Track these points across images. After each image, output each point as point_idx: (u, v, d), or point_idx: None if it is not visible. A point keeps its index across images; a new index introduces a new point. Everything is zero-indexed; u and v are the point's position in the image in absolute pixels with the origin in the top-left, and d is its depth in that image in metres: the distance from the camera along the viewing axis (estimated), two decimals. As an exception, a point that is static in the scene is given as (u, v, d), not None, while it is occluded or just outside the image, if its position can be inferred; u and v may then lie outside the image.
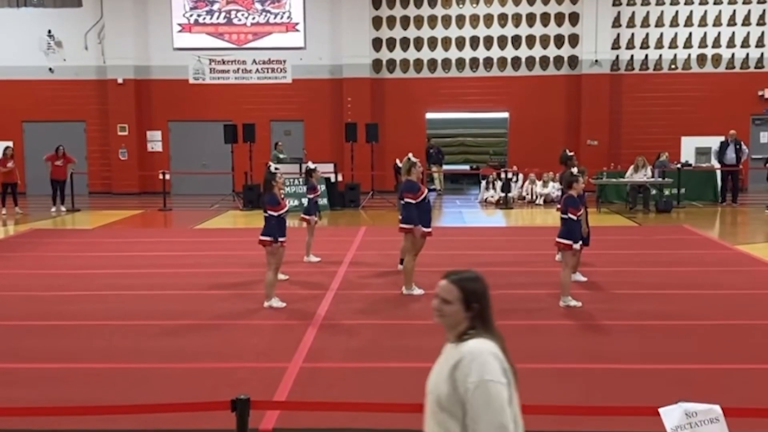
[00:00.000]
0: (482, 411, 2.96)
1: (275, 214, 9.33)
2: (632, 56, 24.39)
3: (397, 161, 13.66)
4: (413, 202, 9.87)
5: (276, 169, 10.04)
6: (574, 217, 9.22)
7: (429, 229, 10.02)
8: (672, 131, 23.92)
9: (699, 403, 3.90)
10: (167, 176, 21.77)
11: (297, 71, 24.81)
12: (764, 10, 24.03)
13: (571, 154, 11.98)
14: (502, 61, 24.63)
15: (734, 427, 3.95)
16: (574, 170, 9.82)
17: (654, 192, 19.96)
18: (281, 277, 10.79)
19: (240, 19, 24.96)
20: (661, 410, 3.89)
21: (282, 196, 9.69)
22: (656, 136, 23.69)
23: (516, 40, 24.58)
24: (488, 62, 24.67)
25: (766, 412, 5.29)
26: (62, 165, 20.34)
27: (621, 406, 5.68)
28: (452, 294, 3.15)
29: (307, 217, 12.37)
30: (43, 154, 20.70)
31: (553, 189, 20.74)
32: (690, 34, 24.20)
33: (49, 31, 24.96)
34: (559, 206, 10.57)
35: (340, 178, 21.64)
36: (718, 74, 24.13)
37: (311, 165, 13.04)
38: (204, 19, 24.98)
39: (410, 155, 10.56)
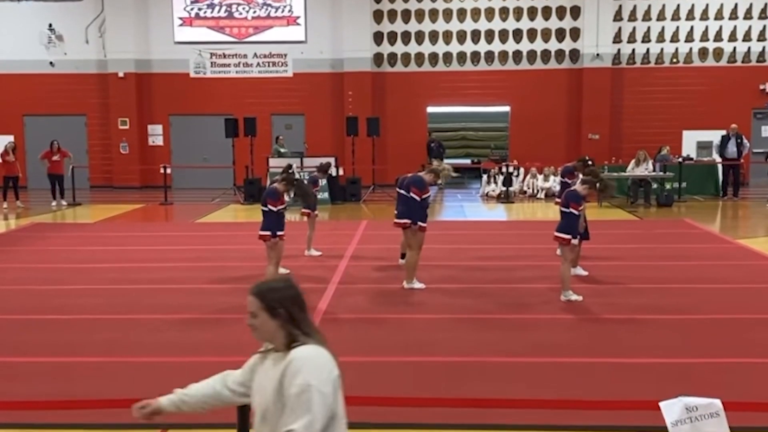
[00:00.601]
0: (299, 414, 2.92)
1: (274, 209, 9.34)
2: (634, 50, 24.36)
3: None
4: (417, 199, 9.84)
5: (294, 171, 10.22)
6: (575, 212, 9.22)
7: (425, 224, 10.00)
8: (673, 125, 23.90)
9: (699, 398, 3.90)
10: (168, 170, 21.77)
11: (298, 65, 24.80)
12: (766, 4, 23.98)
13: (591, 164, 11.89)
14: (504, 55, 24.61)
15: (734, 422, 3.95)
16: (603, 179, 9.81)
17: (655, 186, 19.95)
18: (282, 271, 10.80)
19: (241, 13, 24.93)
20: (661, 404, 3.89)
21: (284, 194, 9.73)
22: (657, 130, 23.67)
23: (517, 34, 24.55)
24: (489, 56, 24.65)
25: (766, 407, 5.29)
26: (59, 160, 20.36)
27: (621, 401, 5.68)
28: (255, 306, 3.14)
29: (307, 211, 12.39)
30: (44, 148, 20.67)
31: (554, 183, 20.71)
32: (692, 27, 24.16)
33: (50, 25, 24.95)
34: (558, 199, 10.59)
35: (341, 172, 21.64)
36: (719, 68, 24.10)
37: (330, 162, 13.17)
38: (205, 12, 24.94)
39: (448, 166, 10.59)
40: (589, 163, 11.78)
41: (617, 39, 24.33)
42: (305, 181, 12.68)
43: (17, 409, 5.49)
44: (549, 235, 10.09)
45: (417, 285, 10.04)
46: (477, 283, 10.40)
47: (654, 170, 20.15)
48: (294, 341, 3.11)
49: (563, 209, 9.33)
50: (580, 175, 10.62)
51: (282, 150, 22.16)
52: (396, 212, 10.40)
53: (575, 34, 24.37)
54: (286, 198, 9.93)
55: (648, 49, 24.32)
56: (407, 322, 8.53)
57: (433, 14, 24.63)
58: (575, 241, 9.42)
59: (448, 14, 24.62)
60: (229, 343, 7.78)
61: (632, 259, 12.11)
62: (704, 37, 24.16)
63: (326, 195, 19.99)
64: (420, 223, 9.88)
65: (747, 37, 24.07)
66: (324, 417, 2.97)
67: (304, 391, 2.94)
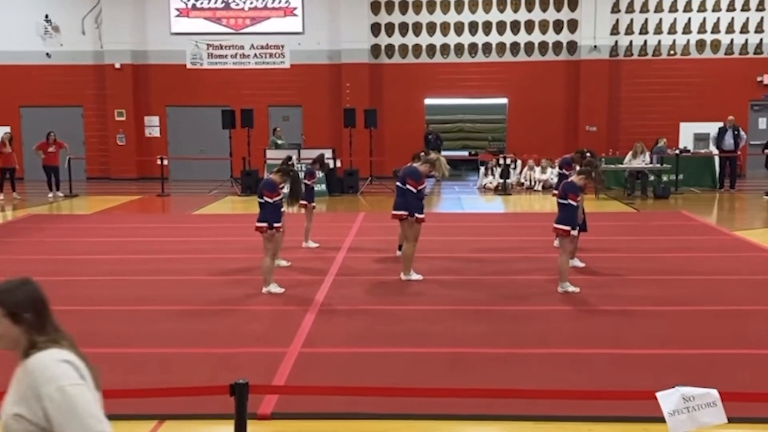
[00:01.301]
0: (69, 418, 2.68)
1: (271, 200, 9.32)
2: (631, 42, 24.33)
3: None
4: (414, 190, 9.85)
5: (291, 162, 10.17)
6: (574, 203, 9.21)
7: (422, 216, 9.99)
8: (670, 117, 23.90)
9: (696, 388, 3.91)
10: (165, 162, 21.75)
11: (295, 56, 24.74)
12: (764, -4, 23.99)
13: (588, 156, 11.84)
14: (501, 47, 24.57)
15: (731, 412, 3.96)
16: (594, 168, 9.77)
17: (652, 178, 19.97)
18: (283, 263, 10.80)
19: (238, 4, 24.85)
20: (658, 395, 3.90)
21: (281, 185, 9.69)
22: (655, 122, 23.67)
23: (515, 26, 24.51)
24: (487, 48, 24.61)
25: (762, 397, 5.31)
26: (55, 151, 20.34)
27: (619, 391, 5.70)
28: None
29: (304, 202, 12.36)
30: (41, 139, 20.65)
31: (552, 175, 20.71)
32: (689, 19, 24.14)
33: (47, 16, 24.87)
34: (556, 191, 10.59)
35: (338, 164, 21.62)
36: (716, 60, 24.09)
37: (326, 154, 13.15)
38: (201, 3, 24.86)
39: (441, 156, 10.47)
40: (587, 154, 11.77)
41: (615, 31, 24.30)
42: (303, 172, 12.69)
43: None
44: (546, 227, 10.10)
45: (414, 276, 10.04)
46: (474, 275, 10.41)
47: (651, 162, 20.16)
48: (34, 347, 2.82)
49: (561, 201, 9.33)
50: (578, 167, 10.63)
51: (279, 142, 22.14)
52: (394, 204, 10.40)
53: (573, 25, 24.34)
54: (286, 189, 9.91)
55: (645, 41, 24.29)
56: (405, 314, 8.54)
57: (431, 5, 24.58)
58: (575, 233, 9.42)
59: (445, 5, 24.57)
60: (227, 334, 7.79)
61: (629, 250, 12.12)
62: (702, 28, 24.14)
63: (323, 187, 19.98)
64: (417, 215, 9.87)
65: (744, 29, 24.05)
66: (97, 410, 2.75)
67: (55, 395, 2.70)
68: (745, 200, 19.41)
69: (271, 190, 9.35)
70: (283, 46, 24.81)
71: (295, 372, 6.58)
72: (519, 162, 22.45)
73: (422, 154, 10.95)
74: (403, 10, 24.63)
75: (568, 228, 9.18)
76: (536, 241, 12.61)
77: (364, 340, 7.59)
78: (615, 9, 24.24)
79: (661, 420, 3.89)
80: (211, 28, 24.91)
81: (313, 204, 12.52)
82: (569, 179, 9.68)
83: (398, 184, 10.15)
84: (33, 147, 20.75)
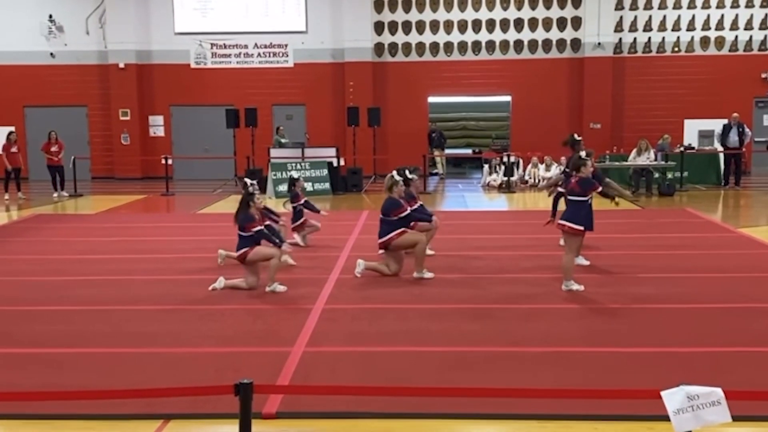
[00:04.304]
0: None
1: (254, 230, 9.39)
2: (635, 39, 24.30)
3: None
4: (393, 219, 10.03)
5: (252, 185, 9.83)
6: (587, 199, 9.16)
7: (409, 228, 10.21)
8: (675, 114, 23.88)
9: (701, 386, 3.90)
10: (169, 161, 21.78)
11: (298, 55, 24.76)
12: (768, -8, 23.93)
13: (579, 138, 11.89)
14: (505, 44, 24.56)
15: (736, 410, 3.95)
16: (583, 153, 9.74)
17: (657, 175, 19.94)
18: (290, 261, 10.81)
19: (242, 3, 24.84)
20: (663, 393, 3.90)
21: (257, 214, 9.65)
22: (659, 119, 23.66)
23: (518, 23, 24.49)
24: (490, 45, 24.60)
25: (767, 395, 5.29)
26: (58, 150, 20.41)
27: (623, 390, 5.69)
28: None
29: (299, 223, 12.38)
30: (44, 139, 20.71)
31: (556, 172, 20.66)
32: (693, 16, 24.10)
33: (50, 16, 24.92)
34: (561, 190, 10.54)
35: (342, 162, 21.64)
36: (721, 57, 24.05)
37: (294, 175, 13.07)
38: (205, 3, 24.86)
39: (394, 172, 10.49)
40: (578, 138, 11.77)
41: (619, 28, 24.27)
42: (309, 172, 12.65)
43: (19, 400, 5.50)
44: (551, 224, 10.05)
45: (427, 274, 10.04)
46: (478, 273, 10.40)
47: (655, 159, 20.13)
48: None
49: (572, 198, 9.26)
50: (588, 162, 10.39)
51: (283, 140, 22.17)
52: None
53: (576, 23, 24.31)
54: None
55: (649, 38, 24.26)
56: (409, 312, 8.53)
57: (434, 3, 24.59)
58: (580, 227, 9.30)
59: (448, 3, 24.57)
60: (231, 334, 7.79)
61: (634, 248, 12.10)
62: (706, 25, 24.10)
63: (327, 185, 20.11)
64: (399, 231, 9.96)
65: (749, 26, 24.01)
66: None
67: None
68: (750, 197, 19.37)
69: (252, 222, 9.41)
70: (286, 45, 24.82)
71: (300, 371, 6.58)
72: (521, 161, 22.35)
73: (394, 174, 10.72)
74: (406, 8, 24.63)
75: (575, 226, 9.15)
76: (541, 238, 12.59)
77: (368, 339, 7.59)
78: (619, 6, 24.21)
79: (666, 419, 3.89)
80: (214, 27, 24.93)
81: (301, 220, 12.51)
82: (581, 176, 9.42)
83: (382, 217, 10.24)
84: (40, 148, 20.81)
